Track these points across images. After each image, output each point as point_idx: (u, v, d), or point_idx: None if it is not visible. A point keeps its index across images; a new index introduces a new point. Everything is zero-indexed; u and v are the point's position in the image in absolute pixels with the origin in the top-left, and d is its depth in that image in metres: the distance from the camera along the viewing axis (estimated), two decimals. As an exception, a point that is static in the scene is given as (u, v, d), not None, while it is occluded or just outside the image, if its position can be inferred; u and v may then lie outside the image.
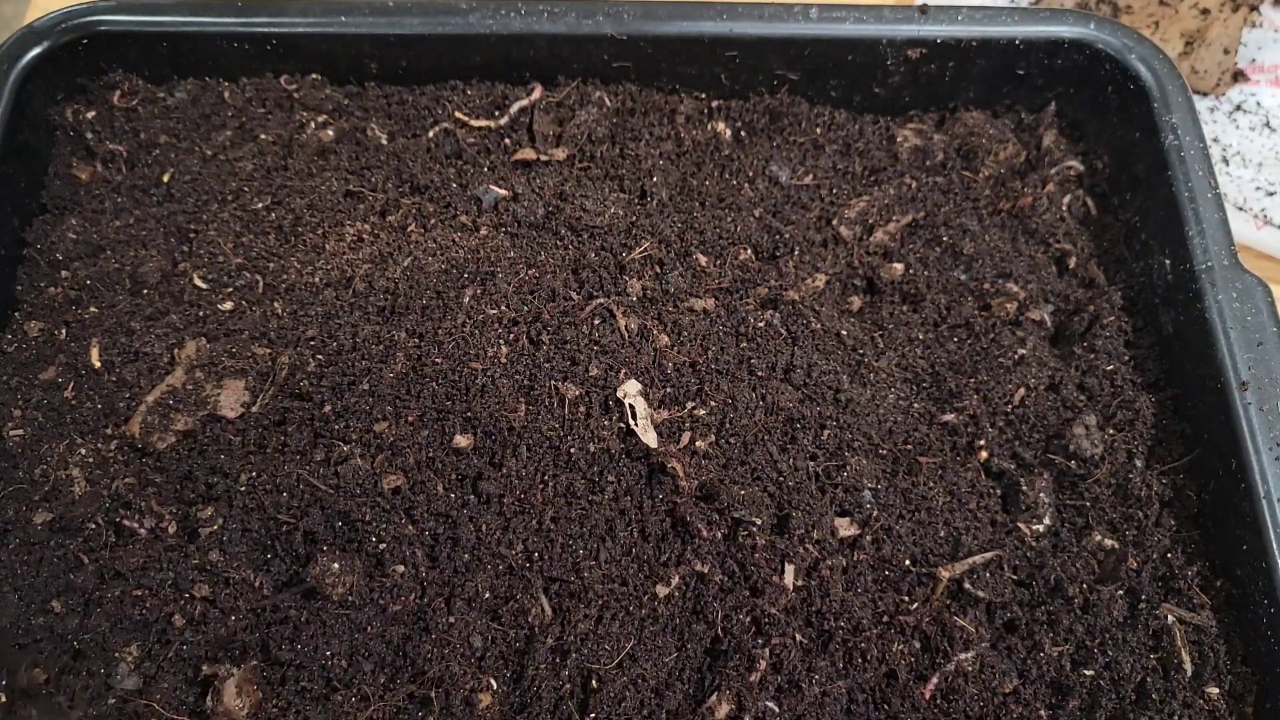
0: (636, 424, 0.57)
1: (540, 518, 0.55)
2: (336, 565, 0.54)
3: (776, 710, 0.51)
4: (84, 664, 0.51)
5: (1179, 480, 0.59)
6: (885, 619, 0.54)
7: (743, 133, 0.71)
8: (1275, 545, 0.52)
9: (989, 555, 0.56)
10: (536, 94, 0.70)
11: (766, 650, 0.52)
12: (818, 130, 0.71)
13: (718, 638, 0.53)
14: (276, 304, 0.61)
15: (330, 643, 0.52)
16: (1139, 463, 0.59)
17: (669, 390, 0.59)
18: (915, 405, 0.61)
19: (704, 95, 0.72)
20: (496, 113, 0.70)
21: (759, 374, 0.60)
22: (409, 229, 0.64)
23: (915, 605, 0.54)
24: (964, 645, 0.53)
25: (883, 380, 0.61)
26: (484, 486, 0.55)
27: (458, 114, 0.69)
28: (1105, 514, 0.58)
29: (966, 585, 0.55)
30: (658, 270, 0.63)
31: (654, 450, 0.56)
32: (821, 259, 0.66)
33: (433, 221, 0.65)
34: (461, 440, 0.57)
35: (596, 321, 0.60)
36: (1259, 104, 0.82)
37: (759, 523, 0.55)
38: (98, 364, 0.60)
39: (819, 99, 0.72)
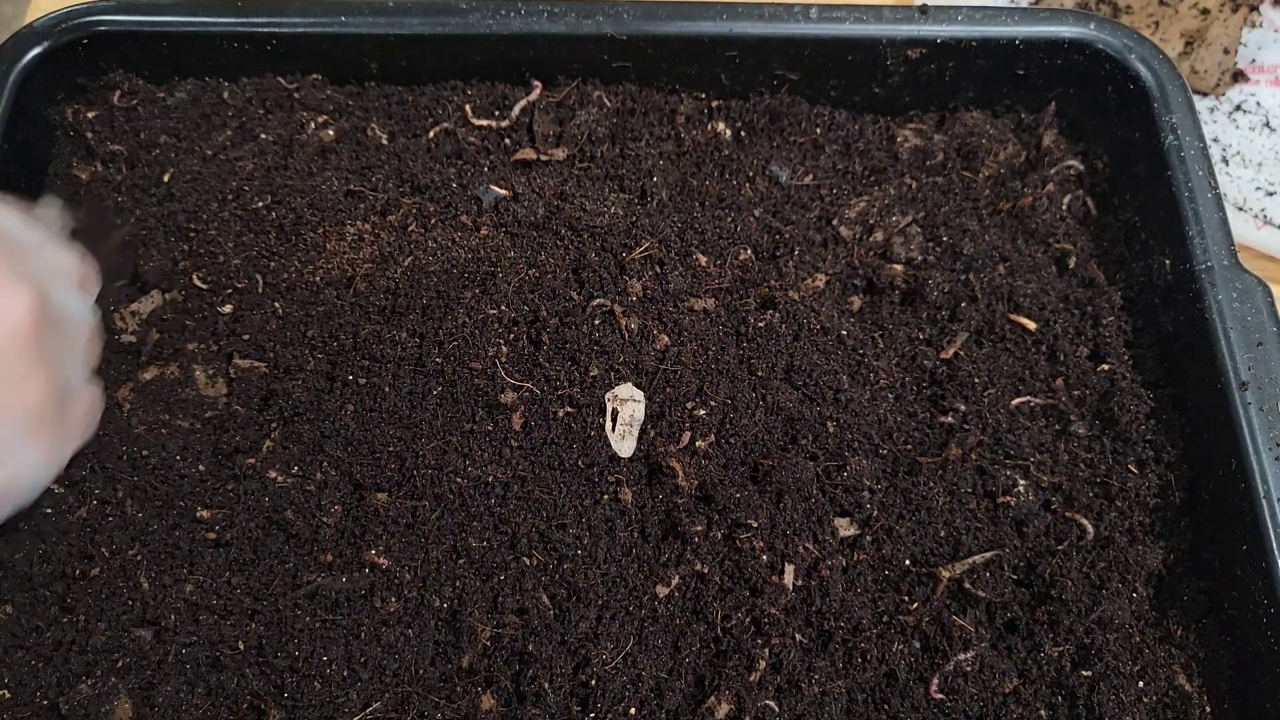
0: (614, 431, 0.57)
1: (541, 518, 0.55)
2: (337, 568, 0.54)
3: (776, 710, 0.51)
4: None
5: (1178, 480, 0.59)
6: (885, 619, 0.54)
7: (743, 133, 0.71)
8: (1275, 545, 0.52)
9: (989, 555, 0.56)
10: (536, 94, 0.70)
11: (766, 650, 0.52)
12: (818, 130, 0.71)
13: (718, 638, 0.53)
14: (277, 304, 0.61)
15: (329, 648, 0.52)
16: (1138, 462, 0.59)
17: (669, 390, 0.59)
18: (916, 405, 0.61)
19: (704, 95, 0.72)
20: (497, 113, 0.70)
21: (759, 374, 0.60)
22: (409, 229, 0.64)
23: (915, 605, 0.54)
24: (964, 645, 0.53)
25: (883, 380, 0.61)
26: (484, 487, 0.56)
27: (466, 107, 0.69)
28: (1105, 514, 0.58)
29: (966, 585, 0.55)
30: (658, 270, 0.63)
31: (636, 455, 0.57)
32: (821, 259, 0.66)
33: (433, 221, 0.65)
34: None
35: (596, 321, 0.60)
36: (1259, 104, 0.82)
37: (758, 523, 0.55)
38: (98, 364, 0.60)
39: (819, 99, 0.72)
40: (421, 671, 0.52)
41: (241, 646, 0.52)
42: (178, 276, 0.63)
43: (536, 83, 0.70)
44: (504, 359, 0.59)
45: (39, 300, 0.47)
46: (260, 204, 0.65)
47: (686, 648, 0.53)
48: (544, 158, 0.68)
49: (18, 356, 0.46)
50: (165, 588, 0.53)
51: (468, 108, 0.70)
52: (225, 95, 0.70)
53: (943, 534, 0.57)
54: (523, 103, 0.70)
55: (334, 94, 0.71)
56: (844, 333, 0.63)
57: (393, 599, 0.53)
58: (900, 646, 0.53)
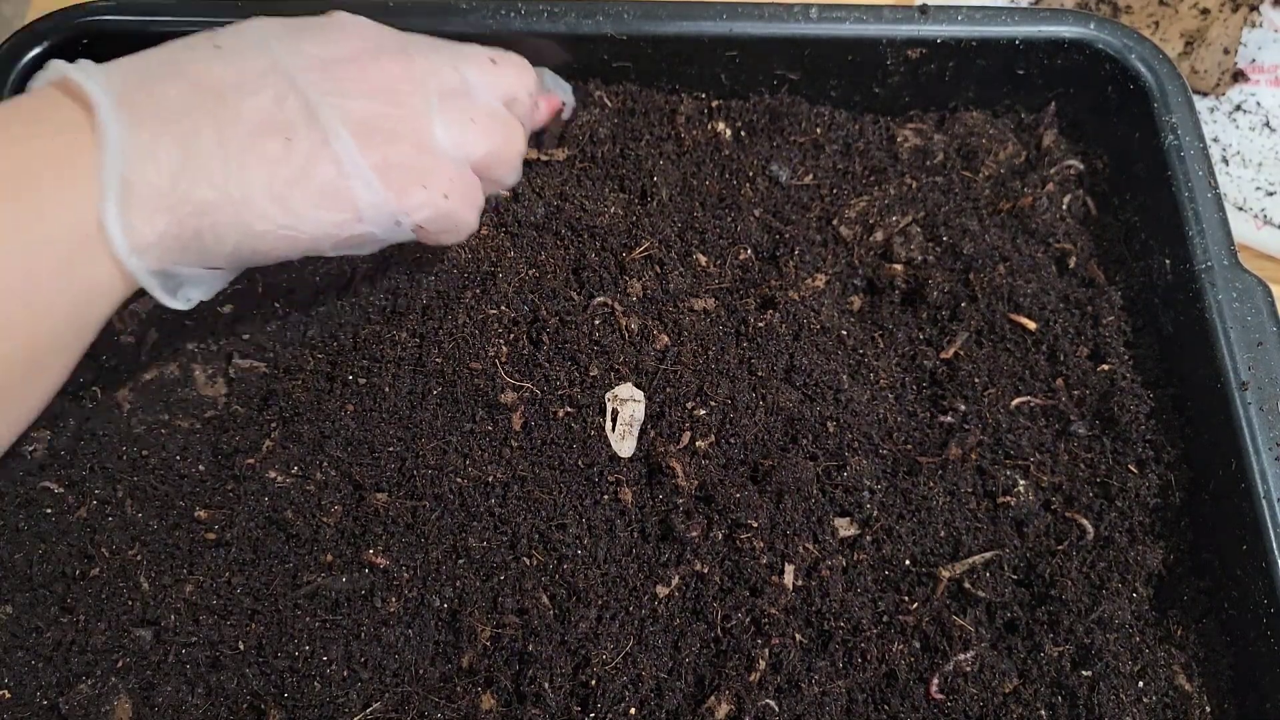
0: (614, 431, 0.57)
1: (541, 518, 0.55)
2: (337, 568, 0.54)
3: (776, 709, 0.51)
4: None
5: (1178, 480, 0.59)
6: (885, 619, 0.54)
7: (743, 133, 0.71)
8: (1275, 545, 0.52)
9: (989, 555, 0.56)
10: None
11: (766, 650, 0.52)
12: (818, 130, 0.71)
13: (718, 638, 0.53)
14: (277, 304, 0.61)
15: (329, 648, 0.52)
16: (1138, 462, 0.59)
17: (669, 390, 0.59)
18: (916, 405, 0.61)
19: (704, 95, 0.72)
20: None
21: (759, 374, 0.60)
22: (409, 229, 0.64)
23: (915, 605, 0.54)
24: (964, 645, 0.53)
25: (883, 380, 0.61)
26: (484, 487, 0.56)
27: None
28: (1105, 514, 0.58)
29: (966, 585, 0.55)
30: (658, 270, 0.63)
31: (636, 455, 0.57)
32: (822, 259, 0.66)
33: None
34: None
35: (597, 321, 0.60)
36: (1259, 104, 0.82)
37: (758, 523, 0.55)
38: (98, 364, 0.60)
39: (819, 99, 0.72)
40: (421, 671, 0.52)
41: (241, 646, 0.52)
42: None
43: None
44: (504, 359, 0.59)
45: (391, 41, 0.53)
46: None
47: (686, 648, 0.53)
48: (544, 158, 0.68)
49: (358, 44, 0.51)
50: (165, 588, 0.53)
51: None
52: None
53: (943, 534, 0.57)
54: None
55: (334, 94, 0.70)
56: (844, 333, 0.63)
57: (393, 599, 0.53)
58: (900, 646, 0.53)
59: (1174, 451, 0.59)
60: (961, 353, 0.62)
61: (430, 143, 0.50)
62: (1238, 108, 0.82)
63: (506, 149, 0.55)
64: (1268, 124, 0.81)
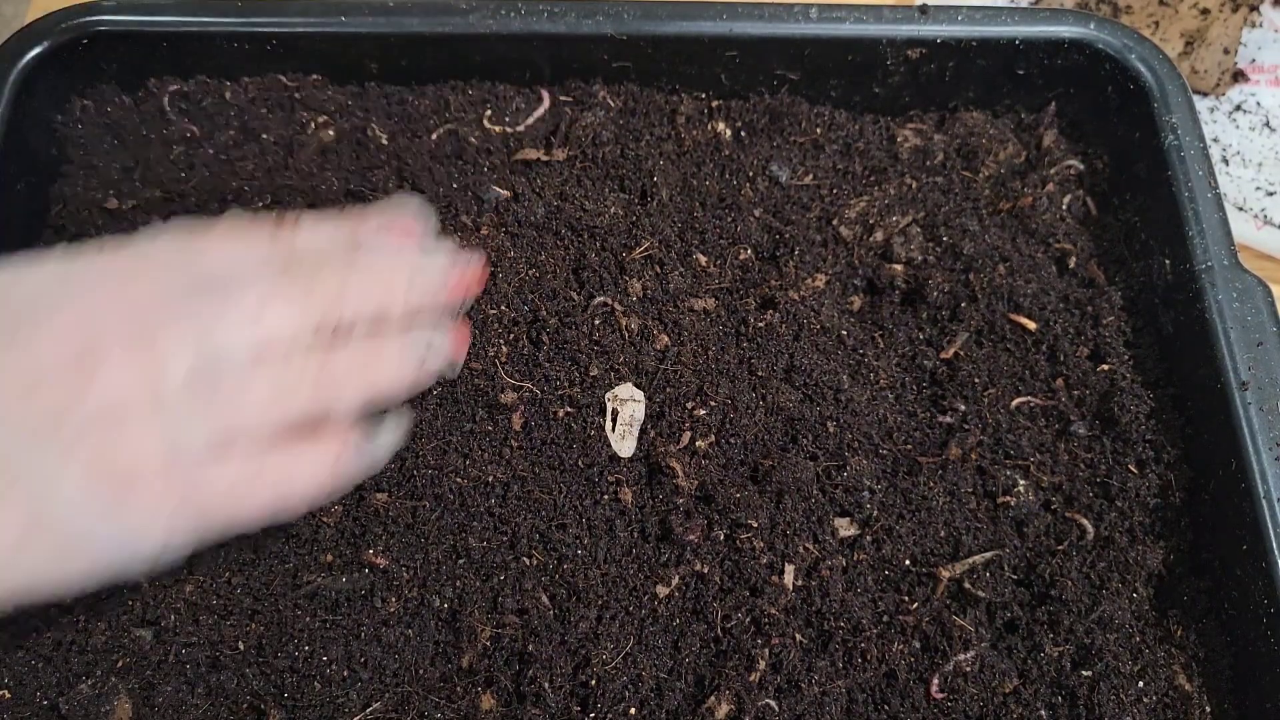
0: (614, 431, 0.57)
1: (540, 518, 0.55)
2: (337, 568, 0.54)
3: (776, 709, 0.51)
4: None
5: (1178, 480, 0.59)
6: (885, 619, 0.54)
7: (743, 133, 0.71)
8: (1275, 545, 0.52)
9: (989, 555, 0.56)
10: (547, 104, 0.70)
11: (766, 650, 0.52)
12: (818, 130, 0.71)
13: (718, 638, 0.53)
14: (277, 304, 0.61)
15: (329, 648, 0.52)
16: (1138, 462, 0.59)
17: (669, 390, 0.59)
18: (916, 405, 0.61)
19: (704, 95, 0.72)
20: (507, 118, 0.70)
21: (759, 374, 0.60)
22: (409, 229, 0.64)
23: (915, 605, 0.55)
24: (964, 645, 0.53)
25: (883, 380, 0.61)
26: (484, 487, 0.56)
27: (488, 111, 0.69)
28: (1105, 514, 0.58)
29: (966, 585, 0.55)
30: (658, 270, 0.63)
31: (636, 455, 0.57)
32: (822, 259, 0.66)
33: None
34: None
35: (597, 321, 0.60)
36: (1259, 104, 0.82)
37: (758, 523, 0.55)
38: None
39: (819, 99, 0.72)
40: (421, 671, 0.52)
41: (241, 646, 0.52)
42: (178, 276, 0.62)
43: (546, 93, 0.70)
44: (504, 359, 0.59)
45: (118, 317, 0.41)
46: (261, 204, 0.65)
47: (686, 648, 0.53)
48: (545, 158, 0.68)
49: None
50: (165, 588, 0.53)
51: (488, 112, 0.69)
52: (227, 95, 0.70)
53: (943, 534, 0.57)
54: (539, 112, 0.69)
55: (335, 94, 0.70)
56: (844, 333, 0.63)
57: (393, 599, 0.53)
58: (900, 646, 0.53)
59: (1174, 451, 0.59)
60: (961, 353, 0.62)
61: (181, 446, 0.41)
62: (1238, 108, 0.82)
63: (307, 393, 0.44)
64: (1268, 124, 0.81)
